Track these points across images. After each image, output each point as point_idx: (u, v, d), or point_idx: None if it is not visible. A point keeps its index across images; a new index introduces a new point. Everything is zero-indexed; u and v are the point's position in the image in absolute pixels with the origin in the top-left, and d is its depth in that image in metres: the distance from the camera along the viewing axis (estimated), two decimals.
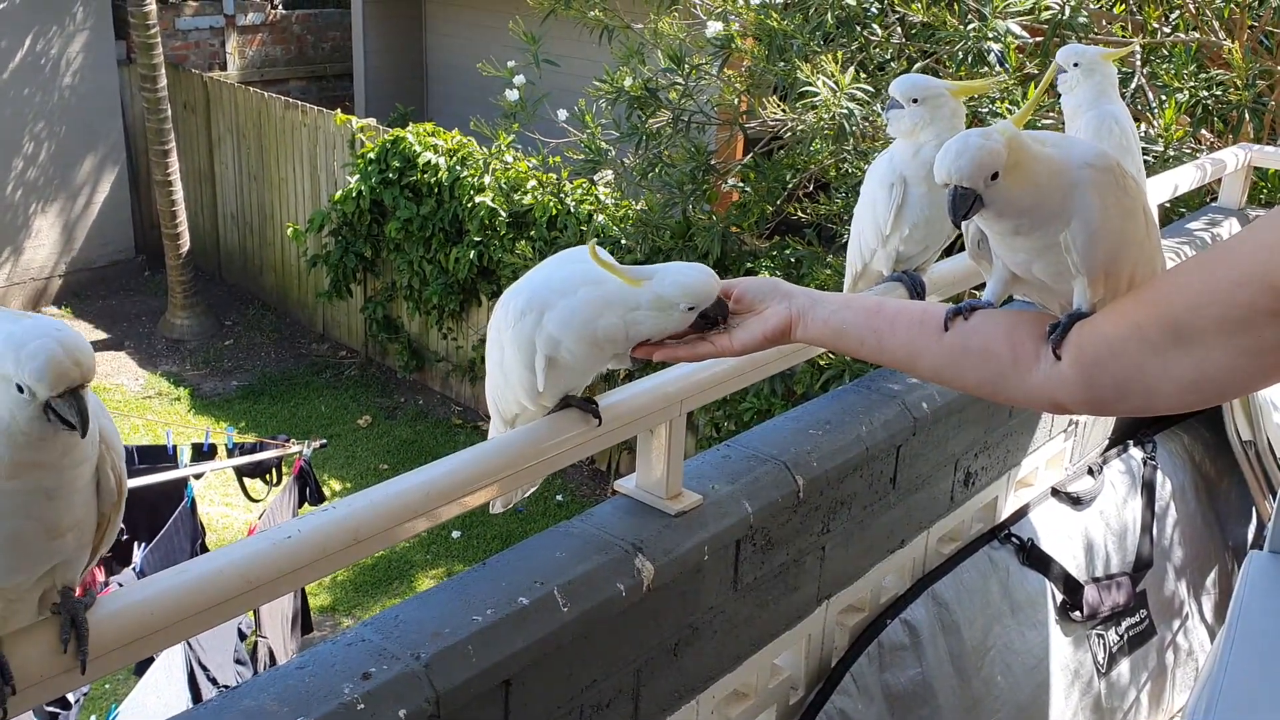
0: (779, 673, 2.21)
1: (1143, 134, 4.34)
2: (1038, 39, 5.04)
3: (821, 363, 5.79)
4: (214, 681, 4.95)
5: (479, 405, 10.01)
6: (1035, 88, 5.02)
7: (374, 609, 7.53)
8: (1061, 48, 2.64)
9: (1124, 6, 5.09)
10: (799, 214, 6.14)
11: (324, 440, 6.91)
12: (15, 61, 11.30)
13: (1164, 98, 4.65)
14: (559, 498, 8.75)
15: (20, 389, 1.10)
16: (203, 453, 6.41)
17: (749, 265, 6.65)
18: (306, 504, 6.21)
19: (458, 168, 9.35)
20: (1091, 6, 4.98)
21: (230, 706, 1.39)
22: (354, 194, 9.92)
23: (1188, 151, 4.54)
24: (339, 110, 10.61)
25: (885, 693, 2.31)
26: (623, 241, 7.17)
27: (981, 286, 1.89)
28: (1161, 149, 4.39)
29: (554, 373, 1.69)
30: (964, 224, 1.65)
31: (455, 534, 8.29)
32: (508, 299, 1.71)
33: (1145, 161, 3.39)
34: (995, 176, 1.41)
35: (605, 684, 1.78)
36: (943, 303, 1.88)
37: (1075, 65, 2.54)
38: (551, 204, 8.68)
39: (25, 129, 11.49)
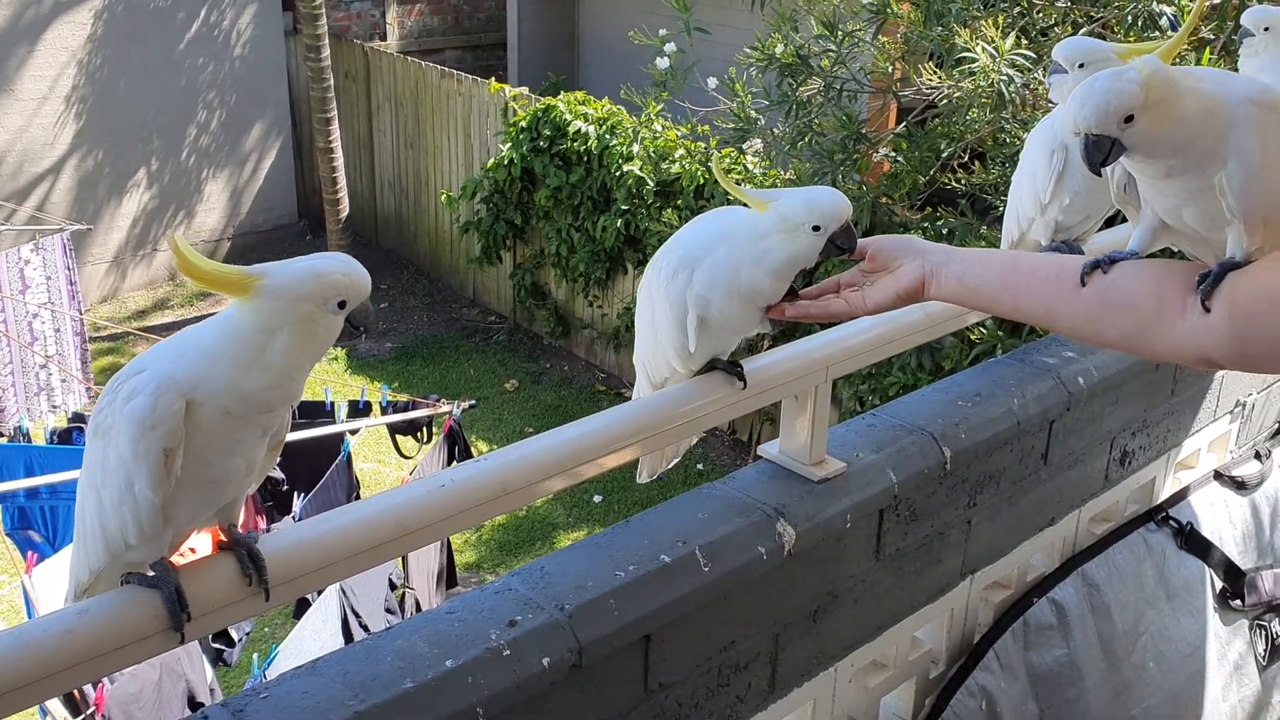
0: (919, 645, 2.19)
1: None
2: (1214, 1, 4.78)
3: (973, 337, 5.66)
4: (365, 628, 5.17)
5: (623, 373, 10.12)
6: (1210, 52, 4.77)
7: (516, 567, 7.72)
8: (1249, 9, 2.46)
9: None
10: (953, 184, 5.99)
11: (474, 401, 7.11)
12: (191, 33, 11.85)
13: None
14: (699, 466, 8.80)
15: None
16: (359, 410, 6.68)
17: None
18: (455, 462, 6.41)
19: (607, 136, 9.42)
20: None
21: (384, 646, 1.46)
22: (505, 162, 10.11)
23: None
24: (493, 79, 10.80)
25: (1030, 672, 2.26)
26: None
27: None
28: None
29: (705, 333, 1.69)
30: (1109, 169, 1.57)
31: (597, 498, 8.43)
32: (660, 258, 1.71)
33: None
34: (1131, 119, 1.34)
35: (744, 645, 1.80)
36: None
37: (1266, 30, 2.36)
38: (699, 173, 8.67)
39: (198, 98, 12.05)
